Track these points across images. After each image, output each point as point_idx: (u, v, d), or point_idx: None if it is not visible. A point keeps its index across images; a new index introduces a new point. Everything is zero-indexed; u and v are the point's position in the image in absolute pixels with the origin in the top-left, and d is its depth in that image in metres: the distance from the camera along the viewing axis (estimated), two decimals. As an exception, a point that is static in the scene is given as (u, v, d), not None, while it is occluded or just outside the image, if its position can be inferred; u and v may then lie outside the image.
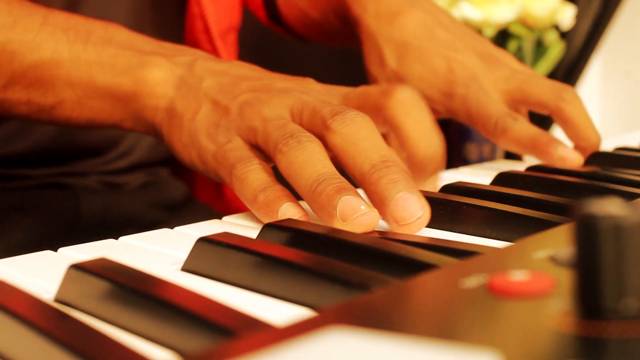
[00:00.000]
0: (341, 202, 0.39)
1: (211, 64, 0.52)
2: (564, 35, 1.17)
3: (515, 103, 0.62)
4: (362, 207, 0.39)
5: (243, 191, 0.44)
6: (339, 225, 0.39)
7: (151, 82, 0.51)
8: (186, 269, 0.36)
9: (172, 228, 0.43)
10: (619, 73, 1.66)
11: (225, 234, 0.36)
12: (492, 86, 0.61)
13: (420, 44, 0.63)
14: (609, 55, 1.62)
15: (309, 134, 0.44)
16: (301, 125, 0.45)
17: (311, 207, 0.42)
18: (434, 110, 0.63)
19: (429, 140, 0.46)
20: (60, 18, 0.54)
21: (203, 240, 0.35)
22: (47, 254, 0.38)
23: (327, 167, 0.42)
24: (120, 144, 0.77)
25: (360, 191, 0.42)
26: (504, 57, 0.65)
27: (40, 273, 0.35)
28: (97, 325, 0.27)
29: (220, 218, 0.45)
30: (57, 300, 0.32)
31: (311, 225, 0.38)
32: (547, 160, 0.56)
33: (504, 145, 0.58)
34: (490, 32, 1.00)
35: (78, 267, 0.32)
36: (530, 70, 0.64)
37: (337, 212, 0.39)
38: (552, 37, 1.06)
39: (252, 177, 0.44)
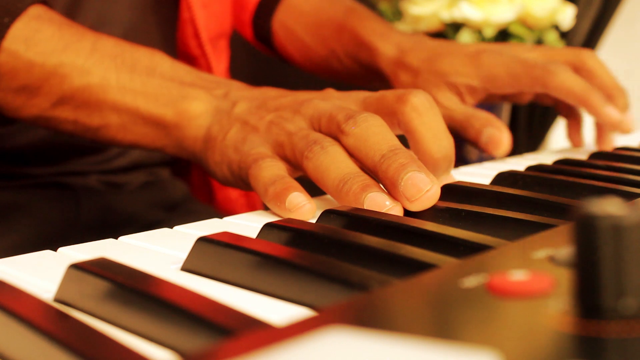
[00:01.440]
0: (367, 199, 0.43)
1: (243, 92, 0.55)
2: (564, 35, 1.17)
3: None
4: (387, 203, 0.43)
5: (257, 187, 0.48)
6: None
7: (192, 114, 0.55)
8: (186, 268, 0.36)
9: (172, 228, 0.43)
10: (619, 73, 1.65)
11: (225, 233, 0.36)
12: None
13: (448, 49, 0.71)
14: (609, 55, 1.62)
15: (330, 139, 0.47)
16: (320, 131, 0.49)
17: (339, 204, 0.45)
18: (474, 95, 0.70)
19: (441, 142, 0.48)
20: (109, 45, 0.57)
21: (203, 240, 0.35)
22: (46, 253, 0.38)
23: (350, 166, 0.45)
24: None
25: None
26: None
27: (40, 273, 0.35)
28: (97, 325, 0.27)
29: (220, 218, 0.45)
30: (56, 300, 0.32)
31: (310, 225, 0.38)
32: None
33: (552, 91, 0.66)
34: (490, 32, 1.00)
35: (78, 267, 0.32)
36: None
37: (365, 206, 0.43)
38: (552, 37, 1.06)
39: (264, 172, 0.47)
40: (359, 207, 0.43)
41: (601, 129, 0.71)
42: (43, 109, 0.57)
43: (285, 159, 0.49)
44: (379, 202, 0.43)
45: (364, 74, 0.77)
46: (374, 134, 0.46)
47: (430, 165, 0.48)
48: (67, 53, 0.56)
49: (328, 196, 0.49)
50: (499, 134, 0.65)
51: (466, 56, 0.70)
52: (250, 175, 0.49)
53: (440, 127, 0.49)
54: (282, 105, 0.52)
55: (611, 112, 0.66)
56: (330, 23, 0.79)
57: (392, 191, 0.43)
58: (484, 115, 0.67)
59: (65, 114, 0.57)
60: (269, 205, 0.46)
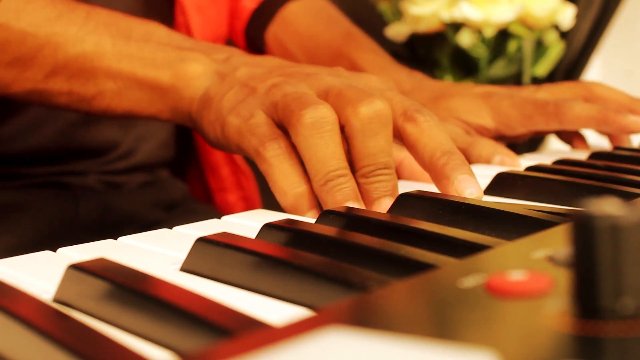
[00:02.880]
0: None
1: (246, 57, 0.54)
2: (564, 35, 1.17)
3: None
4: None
5: (271, 177, 0.47)
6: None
7: (190, 75, 0.54)
8: (185, 269, 0.36)
9: (171, 228, 0.43)
10: (619, 73, 1.66)
11: (224, 234, 0.36)
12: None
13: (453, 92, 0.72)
14: (609, 55, 1.62)
15: (327, 108, 0.45)
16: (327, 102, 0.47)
17: (318, 197, 0.46)
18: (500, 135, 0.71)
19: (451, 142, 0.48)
20: (103, 14, 0.56)
21: (202, 241, 0.35)
22: (46, 254, 0.38)
23: (340, 160, 0.45)
24: (121, 145, 0.77)
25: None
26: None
27: (40, 273, 0.35)
28: (96, 326, 0.27)
29: (219, 218, 0.45)
30: (56, 300, 0.32)
31: (309, 225, 0.38)
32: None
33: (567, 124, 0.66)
34: (490, 32, 1.00)
35: (77, 268, 0.32)
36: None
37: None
38: (552, 37, 1.06)
39: (282, 167, 0.47)
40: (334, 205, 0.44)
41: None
42: (36, 81, 0.56)
43: (279, 122, 0.48)
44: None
45: None
46: (383, 125, 0.46)
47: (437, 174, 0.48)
48: (61, 22, 0.55)
49: None
50: (510, 161, 0.63)
51: (477, 97, 0.70)
52: (261, 155, 0.47)
53: (444, 129, 0.48)
54: (287, 73, 0.51)
55: (634, 119, 0.66)
56: (327, 47, 0.79)
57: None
58: (488, 143, 0.66)
59: (59, 85, 0.56)
60: (283, 204, 0.47)
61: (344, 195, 0.45)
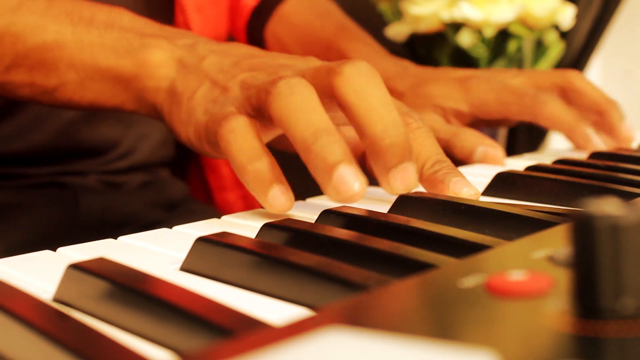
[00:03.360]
0: (337, 173, 0.39)
1: (212, 45, 0.52)
2: (564, 35, 1.17)
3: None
4: (356, 185, 0.39)
5: (231, 155, 0.43)
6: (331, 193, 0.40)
7: (153, 64, 0.52)
8: (185, 268, 0.36)
9: (171, 227, 0.43)
10: (619, 73, 1.66)
11: (224, 233, 0.36)
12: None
13: (434, 76, 0.72)
14: (609, 55, 1.62)
15: (299, 77, 0.42)
16: None
17: (306, 164, 0.41)
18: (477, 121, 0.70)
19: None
20: (65, 2, 0.55)
21: (202, 240, 0.35)
22: (46, 253, 0.38)
23: (323, 118, 0.41)
24: (120, 144, 0.77)
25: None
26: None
27: (39, 273, 0.35)
28: (96, 325, 0.27)
29: (219, 217, 0.45)
30: (55, 300, 0.32)
31: (310, 225, 0.38)
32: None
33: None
34: (490, 32, 1.00)
35: (77, 267, 0.32)
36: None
37: (332, 183, 0.39)
38: (552, 37, 1.06)
39: (238, 139, 0.43)
40: (328, 171, 0.39)
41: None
42: None
43: (253, 112, 0.45)
44: (347, 181, 0.39)
45: None
46: (377, 97, 0.42)
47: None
48: (20, 12, 0.53)
49: (326, 196, 0.48)
50: (493, 152, 0.64)
51: (454, 81, 0.70)
52: (220, 136, 0.44)
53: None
54: (258, 65, 0.48)
55: (598, 143, 0.66)
56: (319, 40, 0.79)
57: (378, 170, 0.42)
58: (472, 133, 0.66)
59: (20, 76, 0.54)
60: (245, 185, 0.43)
61: (335, 152, 0.39)
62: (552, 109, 0.65)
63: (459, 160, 0.66)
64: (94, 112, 0.73)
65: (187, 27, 0.76)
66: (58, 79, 0.54)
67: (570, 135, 0.66)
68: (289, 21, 0.83)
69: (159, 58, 0.52)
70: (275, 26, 0.83)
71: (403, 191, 0.42)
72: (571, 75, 0.70)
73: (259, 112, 0.45)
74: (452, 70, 0.73)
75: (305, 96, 0.41)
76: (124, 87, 0.53)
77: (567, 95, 0.68)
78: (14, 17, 0.53)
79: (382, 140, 0.41)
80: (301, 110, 0.41)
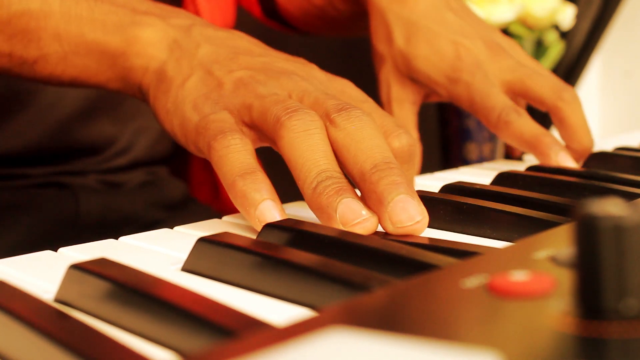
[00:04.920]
0: (342, 205, 0.38)
1: (209, 31, 0.50)
2: (564, 35, 1.17)
3: (514, 95, 0.62)
4: (363, 212, 0.38)
5: (222, 170, 0.42)
6: (337, 227, 0.39)
7: (143, 42, 0.50)
8: (186, 269, 0.36)
9: (171, 227, 0.43)
10: (619, 73, 1.66)
11: (226, 233, 0.36)
12: (495, 75, 0.61)
13: (430, 26, 0.63)
14: (609, 55, 1.62)
15: (313, 113, 0.42)
16: None
17: (308, 204, 0.40)
18: (436, 94, 0.64)
19: None
20: None
21: (203, 240, 0.35)
22: (47, 254, 0.38)
23: (330, 162, 0.40)
24: (118, 141, 0.77)
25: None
26: (512, 47, 0.65)
27: (40, 273, 0.35)
28: (97, 326, 0.26)
29: (220, 218, 0.45)
30: (57, 300, 0.32)
31: (312, 226, 0.38)
32: (544, 161, 0.56)
33: (504, 138, 0.58)
34: (490, 32, 1.00)
35: (78, 267, 0.32)
36: (535, 64, 0.64)
37: (337, 216, 0.38)
38: (552, 37, 1.06)
39: (232, 156, 0.42)
40: (330, 211, 0.38)
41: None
42: None
43: (251, 124, 0.44)
44: (354, 209, 0.38)
45: (360, 13, 0.72)
46: (369, 137, 0.41)
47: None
48: None
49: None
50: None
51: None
52: (213, 150, 0.42)
53: (411, 181, 0.45)
54: (256, 65, 0.47)
55: (560, 159, 0.57)
56: None
57: (376, 208, 0.39)
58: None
59: None
60: (233, 201, 0.41)
61: (335, 190, 0.39)
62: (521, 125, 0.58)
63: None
64: (90, 110, 0.73)
65: (196, 14, 0.75)
66: (39, 50, 0.51)
67: (532, 151, 0.59)
68: None
69: (150, 36, 0.49)
70: None
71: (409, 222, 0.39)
72: (526, 77, 0.61)
73: (258, 129, 0.44)
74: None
75: (316, 140, 0.41)
76: (109, 64, 0.51)
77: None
78: None
79: (371, 176, 0.40)
80: (312, 155, 0.40)
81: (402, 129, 0.45)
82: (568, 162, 0.56)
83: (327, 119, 0.42)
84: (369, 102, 0.48)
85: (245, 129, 0.45)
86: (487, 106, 0.59)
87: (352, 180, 0.41)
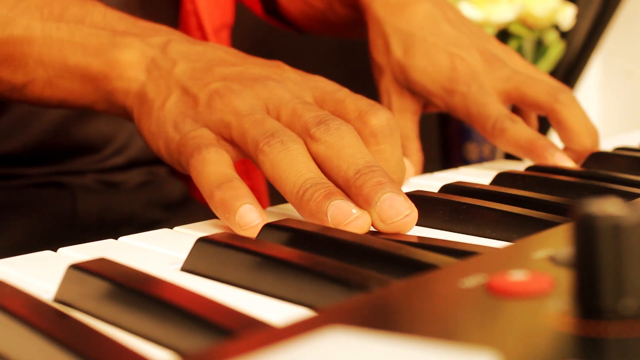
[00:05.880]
0: (331, 207, 0.39)
1: (185, 46, 0.50)
2: (564, 35, 1.17)
3: (512, 102, 0.62)
4: (354, 211, 0.39)
5: (200, 185, 0.43)
6: None
7: (122, 64, 0.50)
8: (186, 269, 0.36)
9: (170, 227, 0.43)
10: (619, 73, 1.66)
11: (225, 234, 0.36)
12: (491, 85, 0.61)
13: (426, 37, 0.63)
14: (609, 55, 1.62)
15: (291, 133, 0.43)
16: (279, 122, 0.44)
17: (300, 213, 0.41)
18: (433, 105, 0.64)
19: (400, 172, 0.46)
20: None
21: (202, 240, 0.35)
22: (46, 254, 0.38)
23: (312, 170, 0.41)
24: (115, 139, 0.77)
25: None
26: (508, 55, 0.65)
27: (40, 273, 0.35)
28: (97, 326, 0.27)
29: (219, 218, 0.45)
30: (56, 300, 0.32)
31: (311, 226, 0.38)
32: (542, 164, 0.57)
33: (501, 146, 0.59)
34: (490, 32, 1.00)
35: (77, 267, 0.32)
36: (531, 70, 0.64)
37: (329, 218, 0.39)
38: (552, 37, 1.06)
39: (208, 169, 0.43)
40: (321, 216, 0.39)
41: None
42: None
43: (230, 142, 0.45)
44: (345, 210, 0.39)
45: (359, 19, 0.72)
46: (349, 145, 0.42)
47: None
48: None
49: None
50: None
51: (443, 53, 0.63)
52: (191, 166, 0.44)
53: (399, 156, 0.45)
54: (230, 75, 0.48)
55: (556, 159, 0.57)
56: None
57: (364, 209, 0.39)
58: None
59: None
60: (214, 212, 0.42)
61: (323, 194, 0.39)
62: (516, 131, 0.58)
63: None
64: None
65: (196, 15, 0.76)
66: (26, 75, 0.52)
67: (528, 156, 0.59)
68: None
69: (129, 58, 0.50)
70: None
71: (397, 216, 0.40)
72: (522, 84, 0.61)
73: (237, 146, 0.45)
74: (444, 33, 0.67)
75: (295, 155, 0.42)
76: (93, 87, 0.52)
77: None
78: None
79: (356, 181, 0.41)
80: (294, 168, 0.41)
81: (377, 106, 0.46)
82: (565, 162, 0.56)
83: (307, 135, 0.43)
84: (343, 90, 0.48)
85: (225, 144, 0.45)
86: (483, 115, 0.59)
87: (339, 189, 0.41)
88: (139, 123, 0.50)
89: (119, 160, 0.78)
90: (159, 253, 0.38)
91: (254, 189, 0.85)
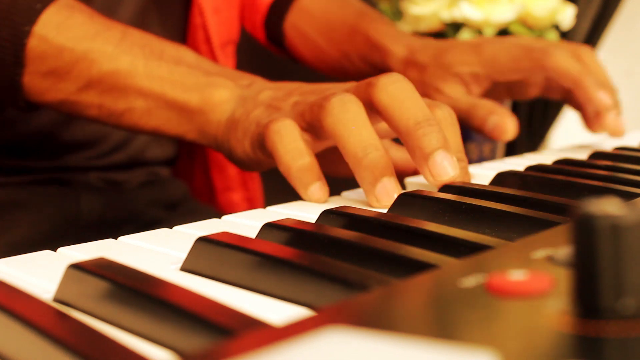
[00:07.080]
0: (380, 184, 0.46)
1: (267, 84, 0.57)
2: (564, 35, 1.17)
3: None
4: (395, 195, 0.45)
5: (277, 153, 0.49)
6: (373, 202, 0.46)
7: (217, 100, 0.57)
8: (185, 268, 0.36)
9: (171, 226, 0.43)
10: (619, 73, 1.65)
11: (225, 233, 0.36)
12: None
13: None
14: (609, 55, 1.62)
15: (347, 92, 0.48)
16: None
17: (354, 173, 0.47)
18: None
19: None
20: (137, 35, 0.59)
21: (202, 240, 0.35)
22: (46, 253, 0.38)
23: (372, 136, 0.46)
24: (111, 136, 0.77)
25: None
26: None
27: (40, 273, 0.35)
28: (97, 325, 0.27)
29: (219, 217, 0.45)
30: (56, 300, 0.32)
31: (310, 225, 0.38)
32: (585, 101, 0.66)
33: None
34: (490, 32, 1.00)
35: (77, 267, 0.32)
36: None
37: (375, 194, 0.46)
38: (552, 37, 1.06)
39: (285, 139, 0.49)
40: (371, 187, 0.46)
41: (590, 119, 0.71)
42: (69, 92, 0.58)
43: (306, 127, 0.50)
44: (389, 191, 0.46)
45: (375, 75, 0.77)
46: (410, 97, 0.47)
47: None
48: (97, 40, 0.57)
49: (331, 198, 0.49)
50: (504, 121, 0.67)
51: (469, 46, 0.72)
52: (267, 137, 0.50)
53: (459, 143, 0.50)
54: (306, 91, 0.53)
55: (603, 97, 0.66)
56: (342, 26, 0.81)
57: (416, 158, 0.46)
58: (487, 104, 0.69)
59: (90, 98, 0.58)
60: (288, 178, 0.49)
61: (382, 167, 0.46)
62: (558, 58, 0.67)
63: (476, 130, 0.69)
64: None
65: (204, 29, 0.77)
66: (126, 104, 0.58)
67: (575, 86, 0.67)
68: (308, 11, 0.84)
69: (223, 95, 0.57)
70: (294, 18, 0.84)
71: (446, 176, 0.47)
72: (583, 49, 0.70)
73: (311, 126, 0.50)
74: (471, 39, 0.76)
75: (356, 112, 0.47)
76: (188, 119, 0.58)
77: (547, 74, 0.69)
78: (92, 44, 0.57)
79: (415, 132, 0.46)
80: (352, 125, 0.47)
81: (439, 102, 0.51)
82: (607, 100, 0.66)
83: (369, 85, 0.48)
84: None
85: (303, 133, 0.51)
86: (529, 47, 0.69)
87: (398, 135, 0.48)
88: (229, 140, 0.56)
89: (119, 157, 0.78)
90: (158, 253, 0.38)
91: (250, 199, 0.85)
